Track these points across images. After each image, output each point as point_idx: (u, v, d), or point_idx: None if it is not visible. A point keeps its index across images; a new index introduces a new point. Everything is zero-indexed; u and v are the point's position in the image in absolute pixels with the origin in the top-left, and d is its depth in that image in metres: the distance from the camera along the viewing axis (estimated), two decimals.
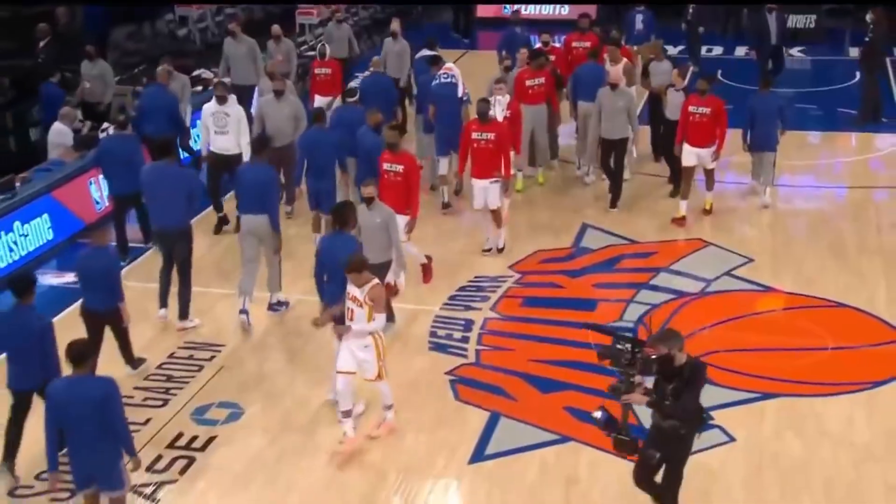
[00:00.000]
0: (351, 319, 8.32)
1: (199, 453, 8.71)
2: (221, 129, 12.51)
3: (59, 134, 13.80)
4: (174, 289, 10.66)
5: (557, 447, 8.70)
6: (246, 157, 12.02)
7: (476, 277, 11.64)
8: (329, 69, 15.27)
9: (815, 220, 13.41)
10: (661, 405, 6.88)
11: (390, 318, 9.58)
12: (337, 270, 8.65)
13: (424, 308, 10.93)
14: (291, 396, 9.51)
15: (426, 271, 11.00)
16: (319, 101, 15.01)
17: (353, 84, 15.31)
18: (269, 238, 10.56)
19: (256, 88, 14.16)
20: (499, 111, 12.34)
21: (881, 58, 17.67)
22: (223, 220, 12.87)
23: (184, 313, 10.65)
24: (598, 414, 7.11)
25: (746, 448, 8.67)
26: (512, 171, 12.42)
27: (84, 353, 7.12)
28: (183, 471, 8.49)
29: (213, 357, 10.20)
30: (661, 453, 7.11)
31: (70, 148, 13.69)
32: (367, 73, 15.50)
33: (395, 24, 16.44)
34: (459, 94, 13.69)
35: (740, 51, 21.31)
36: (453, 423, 9.08)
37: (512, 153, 12.29)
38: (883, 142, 16.47)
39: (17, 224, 12.19)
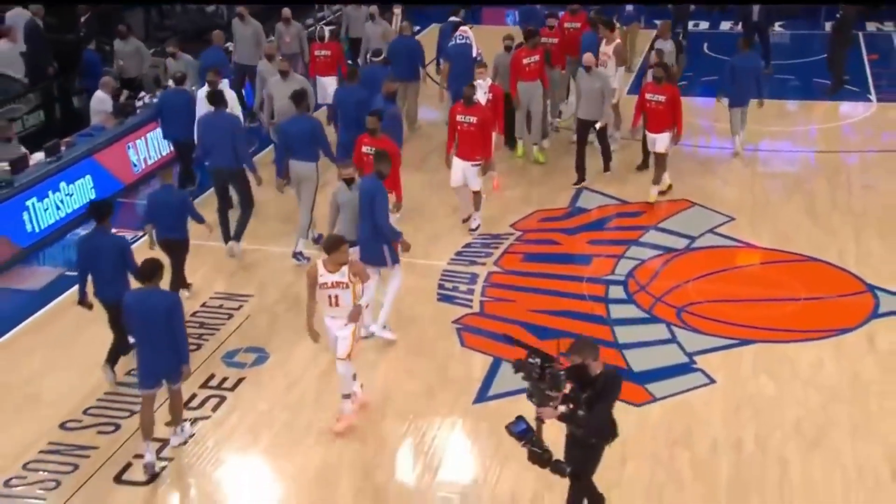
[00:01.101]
0: (336, 305, 7.88)
1: (229, 392, 8.80)
2: None
3: (100, 101, 13.80)
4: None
5: None
6: None
7: (481, 235, 11.65)
8: (329, 51, 14.88)
9: (792, 182, 13.38)
10: (573, 415, 6.24)
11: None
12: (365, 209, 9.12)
13: (433, 263, 10.94)
14: (312, 343, 9.54)
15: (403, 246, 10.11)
16: (321, 81, 14.73)
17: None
18: (311, 183, 10.88)
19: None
20: (481, 94, 12.02)
21: (850, 32, 17.49)
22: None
23: (238, 236, 11.03)
24: (514, 423, 6.22)
25: (725, 389, 8.72)
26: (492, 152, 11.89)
27: (154, 270, 7.66)
28: (215, 408, 8.59)
29: (241, 306, 10.25)
30: (572, 463, 6.40)
31: (110, 114, 13.68)
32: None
33: (374, 8, 16.19)
34: (473, 53, 14.25)
35: (725, 25, 21.10)
36: (459, 367, 9.13)
37: (494, 134, 11.89)
38: (854, 109, 16.40)
39: (62, 184, 12.23)
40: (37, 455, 7.98)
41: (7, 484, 7.63)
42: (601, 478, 7.52)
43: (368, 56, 14.51)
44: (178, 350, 7.62)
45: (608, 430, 6.42)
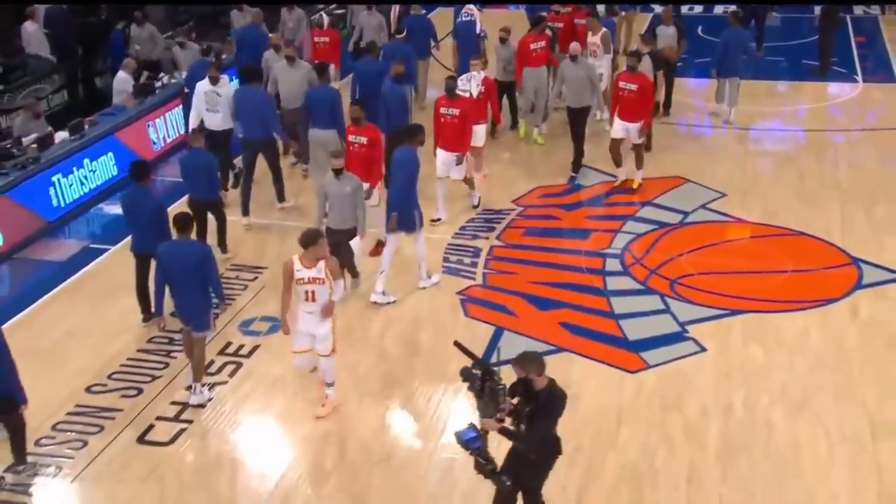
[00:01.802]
0: (312, 301, 7.59)
1: (245, 359, 8.82)
2: (213, 108, 11.43)
3: (122, 82, 13.74)
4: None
5: (553, 356, 8.72)
6: (240, 134, 11.32)
7: (484, 210, 11.62)
8: (327, 38, 14.38)
9: (781, 159, 13.31)
10: (514, 430, 5.82)
11: (355, 275, 9.60)
12: (400, 178, 9.44)
13: (438, 237, 10.92)
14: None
15: (377, 249, 10.16)
16: None
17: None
18: (335, 146, 10.90)
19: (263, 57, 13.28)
20: (474, 85, 11.57)
21: (838, 16, 17.33)
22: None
23: (280, 197, 11.65)
24: (464, 430, 5.87)
25: (716, 357, 8.72)
26: (480, 144, 11.67)
27: (187, 222, 8.00)
28: (232, 374, 8.62)
29: (255, 277, 10.25)
30: (515, 479, 5.98)
31: (131, 95, 13.62)
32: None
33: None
34: (477, 30, 14.30)
35: (719, 9, 20.88)
36: (463, 336, 9.06)
37: (483, 126, 11.68)
38: (842, 90, 16.25)
39: (86, 161, 12.20)
40: (65, 417, 8.04)
41: (37, 443, 7.68)
42: (598, 442, 7.59)
43: (361, 44, 14.23)
44: (204, 299, 7.93)
45: (550, 447, 5.97)
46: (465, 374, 5.85)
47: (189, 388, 8.20)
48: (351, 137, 10.07)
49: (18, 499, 7.14)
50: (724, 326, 9.20)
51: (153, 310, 8.38)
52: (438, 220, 11.19)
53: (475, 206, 11.59)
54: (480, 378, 5.76)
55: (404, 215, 9.44)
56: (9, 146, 11.63)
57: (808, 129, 14.51)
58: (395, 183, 9.53)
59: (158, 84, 14.18)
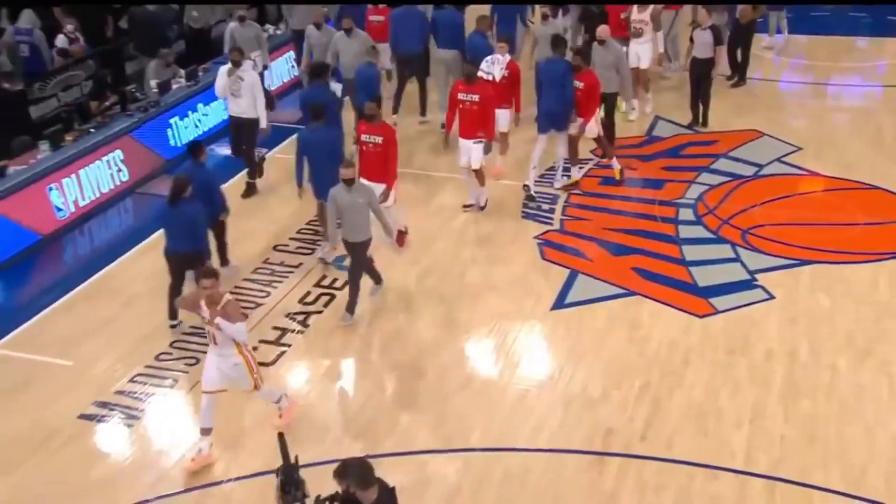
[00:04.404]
0: (215, 343, 6.56)
1: (338, 291, 8.91)
2: (236, 94, 10.44)
3: (154, 72, 12.53)
4: None
5: (624, 299, 8.66)
6: (264, 124, 10.49)
7: (564, 159, 11.41)
8: (383, 16, 12.97)
9: (858, 115, 12.72)
10: None
11: (378, 280, 8.63)
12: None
13: (518, 183, 10.79)
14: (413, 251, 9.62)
15: (400, 238, 9.05)
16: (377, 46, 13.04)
17: None
18: (456, 65, 11.46)
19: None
20: (497, 69, 10.54)
21: None
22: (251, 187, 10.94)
23: (423, 111, 12.35)
24: None
25: (783, 304, 8.48)
26: (505, 129, 10.76)
27: (321, 110, 8.90)
28: (326, 304, 8.75)
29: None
30: None
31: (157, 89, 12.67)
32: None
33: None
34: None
35: None
36: (540, 278, 9.10)
37: (507, 111, 10.71)
38: None
39: (200, 105, 12.43)
40: (181, 336, 8.27)
41: (157, 358, 7.98)
42: (665, 380, 7.50)
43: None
44: (335, 175, 8.10)
45: None
46: (285, 477, 5.05)
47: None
48: (364, 137, 8.93)
49: (138, 405, 7.47)
50: (792, 275, 8.91)
51: (297, 182, 9.10)
52: (471, 205, 10.28)
53: (482, 208, 10.19)
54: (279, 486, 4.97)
55: (559, 117, 9.99)
56: (133, 90, 11.97)
57: (887, 85, 13.77)
58: (555, 90, 9.95)
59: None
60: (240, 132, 10.72)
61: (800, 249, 9.31)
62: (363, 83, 10.90)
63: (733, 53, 13.31)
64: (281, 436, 5.32)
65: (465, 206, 10.29)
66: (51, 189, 10.19)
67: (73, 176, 10.46)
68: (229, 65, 10.51)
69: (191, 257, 7.90)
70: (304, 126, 9.74)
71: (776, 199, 10.44)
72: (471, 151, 9.87)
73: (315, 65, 10.84)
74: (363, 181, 8.59)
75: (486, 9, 12.91)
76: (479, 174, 10.07)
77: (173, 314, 8.29)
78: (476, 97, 9.73)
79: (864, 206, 10.14)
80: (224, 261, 9.06)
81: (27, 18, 12.83)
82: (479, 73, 10.28)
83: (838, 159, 11.22)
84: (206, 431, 6.74)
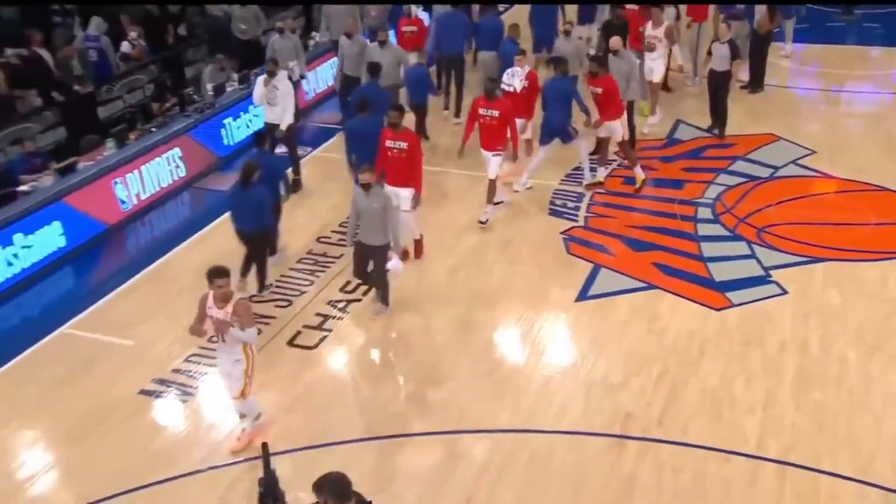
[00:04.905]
0: (223, 342, 6.35)
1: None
2: (271, 102, 10.43)
3: (210, 76, 12.75)
4: None
5: (644, 293, 8.58)
6: (283, 126, 10.44)
7: (589, 159, 11.31)
8: (415, 27, 13.01)
9: (871, 120, 12.45)
10: None
11: (386, 303, 8.32)
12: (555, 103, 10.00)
13: (546, 182, 10.76)
14: (436, 239, 9.61)
15: (418, 247, 9.23)
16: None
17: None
18: (493, 63, 11.73)
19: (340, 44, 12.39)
20: (517, 80, 10.40)
21: None
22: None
23: (457, 113, 12.40)
24: None
25: (796, 299, 8.34)
26: (528, 136, 10.64)
27: (366, 103, 9.20)
28: (365, 293, 8.74)
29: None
30: None
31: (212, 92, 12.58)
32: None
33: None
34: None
35: None
36: (564, 271, 9.04)
37: (527, 120, 10.56)
38: None
39: (250, 106, 12.28)
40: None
41: (210, 340, 7.93)
42: (682, 369, 7.42)
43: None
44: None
45: None
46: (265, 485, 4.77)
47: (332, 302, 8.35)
48: (389, 143, 8.72)
49: (192, 382, 7.56)
50: (805, 272, 8.76)
51: (349, 165, 9.31)
52: (500, 202, 10.13)
53: (482, 223, 9.78)
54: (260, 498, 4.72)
55: (564, 131, 10.15)
56: (191, 93, 12.08)
57: None
58: (557, 105, 10.05)
59: (311, 42, 14.19)
60: (274, 138, 10.57)
61: (813, 248, 9.15)
62: (414, 81, 11.51)
63: (753, 62, 13.13)
64: (265, 445, 5.01)
65: (496, 203, 10.24)
66: (116, 183, 10.33)
67: (136, 171, 10.60)
68: (265, 75, 10.51)
69: (257, 234, 8.30)
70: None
71: (791, 199, 10.27)
72: (489, 162, 9.72)
73: (370, 65, 10.96)
74: (388, 187, 8.51)
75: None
76: (492, 186, 9.81)
77: (244, 272, 8.59)
78: (496, 113, 9.53)
79: (875, 207, 9.94)
80: (273, 250, 9.11)
81: (95, 25, 13.02)
82: (502, 86, 10.19)
83: (851, 163, 11.00)
84: (243, 416, 6.71)
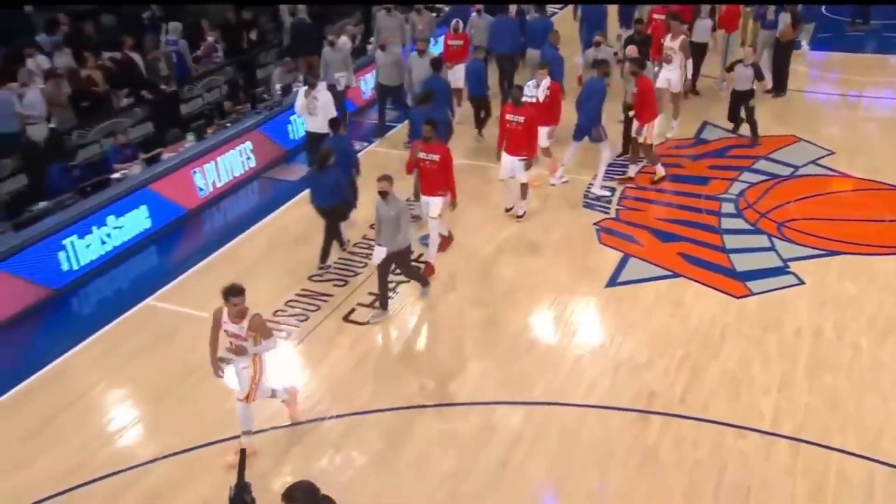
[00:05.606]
0: (237, 355, 6.10)
1: (421, 265, 8.93)
2: (312, 112, 10.18)
3: (278, 77, 12.73)
4: None
5: (670, 281, 8.44)
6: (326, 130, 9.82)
7: (620, 157, 11.17)
8: (461, 41, 12.70)
9: (888, 124, 12.04)
10: None
11: (425, 283, 8.33)
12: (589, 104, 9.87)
13: (580, 177, 10.63)
14: (479, 227, 9.57)
15: (444, 243, 9.04)
16: (454, 68, 12.49)
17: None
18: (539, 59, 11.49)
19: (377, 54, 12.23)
20: (540, 91, 10.11)
21: None
22: None
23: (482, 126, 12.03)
24: None
25: (812, 289, 8.13)
26: (546, 144, 10.25)
27: (429, 96, 9.49)
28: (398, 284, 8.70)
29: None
30: None
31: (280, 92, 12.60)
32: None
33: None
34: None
35: None
36: (596, 259, 8.94)
37: (549, 128, 10.25)
38: None
39: None
40: (293, 297, 8.46)
41: (274, 314, 8.17)
42: (703, 352, 7.29)
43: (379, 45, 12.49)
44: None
45: None
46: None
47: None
48: (422, 155, 8.51)
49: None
50: (822, 264, 8.53)
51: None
52: (511, 209, 9.83)
53: (520, 217, 9.70)
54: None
55: (585, 129, 10.00)
56: (262, 92, 12.19)
57: None
58: (583, 105, 9.95)
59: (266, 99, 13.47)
60: (315, 146, 10.04)
61: (830, 241, 8.90)
62: (475, 76, 11.66)
63: (777, 68, 12.82)
64: (242, 451, 4.74)
65: (508, 209, 9.89)
66: (195, 172, 10.51)
67: (213, 162, 10.76)
68: (306, 87, 10.26)
69: (334, 208, 8.59)
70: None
71: (810, 196, 9.99)
72: (515, 167, 9.47)
73: (433, 59, 11.19)
74: (424, 197, 8.58)
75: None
76: (524, 188, 9.63)
77: (324, 257, 8.70)
78: (521, 119, 9.29)
79: (890, 205, 9.63)
80: (345, 217, 9.04)
81: (173, 29, 13.22)
82: (524, 98, 9.82)
83: (868, 163, 10.66)
84: (246, 433, 6.24)
